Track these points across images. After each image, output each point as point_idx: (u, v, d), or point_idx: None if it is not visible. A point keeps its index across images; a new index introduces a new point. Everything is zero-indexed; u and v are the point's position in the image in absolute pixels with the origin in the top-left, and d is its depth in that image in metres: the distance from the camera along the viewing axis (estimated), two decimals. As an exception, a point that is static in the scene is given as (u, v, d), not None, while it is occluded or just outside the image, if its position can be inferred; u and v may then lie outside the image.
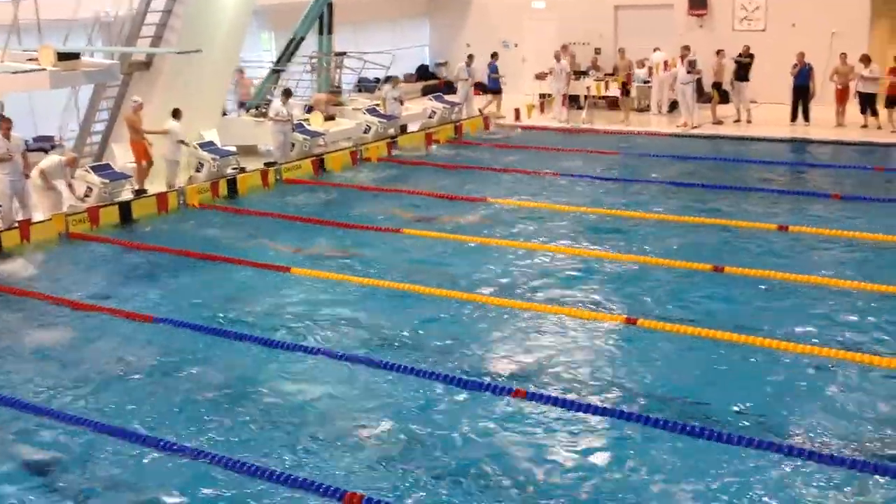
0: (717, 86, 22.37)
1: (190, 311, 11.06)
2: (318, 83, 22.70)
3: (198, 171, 17.05)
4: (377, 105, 21.55)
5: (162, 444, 7.83)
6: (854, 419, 8.01)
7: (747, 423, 7.94)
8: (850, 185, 16.15)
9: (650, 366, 9.23)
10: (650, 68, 23.46)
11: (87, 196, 15.21)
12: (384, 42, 25.96)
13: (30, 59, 14.58)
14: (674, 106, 22.96)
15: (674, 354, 9.44)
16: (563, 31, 25.41)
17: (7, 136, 14.07)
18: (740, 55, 21.80)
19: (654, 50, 23.45)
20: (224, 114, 20.30)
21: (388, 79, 22.59)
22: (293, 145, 18.68)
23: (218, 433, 8.11)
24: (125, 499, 7.20)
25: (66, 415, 8.47)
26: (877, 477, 7.04)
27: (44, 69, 14.11)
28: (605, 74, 24.44)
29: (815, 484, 7.02)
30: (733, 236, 13.39)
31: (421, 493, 7.10)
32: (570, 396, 8.54)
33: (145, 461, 7.67)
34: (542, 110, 24.35)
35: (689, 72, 21.39)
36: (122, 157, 17.07)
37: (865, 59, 20.17)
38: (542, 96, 24.68)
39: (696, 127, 21.39)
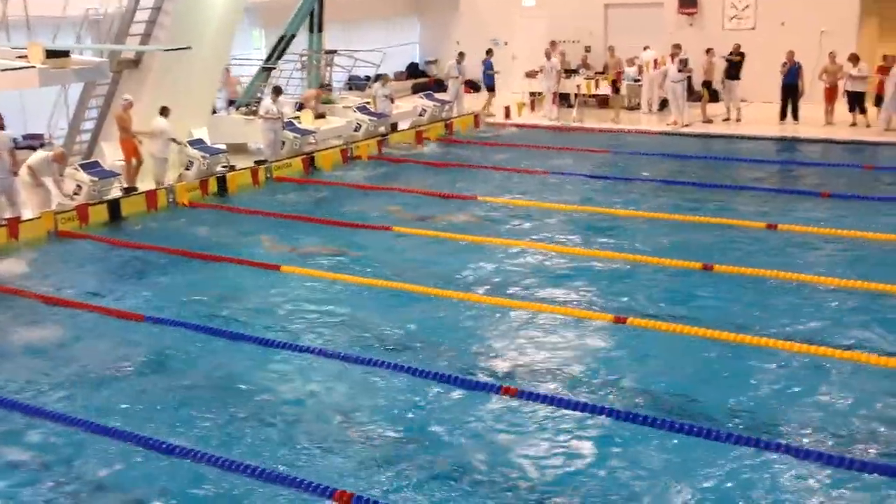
0: (706, 84, 22.43)
1: (180, 309, 11.04)
2: (308, 81, 22.68)
3: (187, 169, 17.01)
4: (368, 103, 21.54)
5: (152, 442, 7.81)
6: (845, 417, 8.03)
7: (738, 421, 7.97)
8: (839, 183, 16.20)
9: (640, 364, 9.26)
10: (640, 67, 23.50)
11: (76, 194, 15.16)
12: (375, 40, 25.95)
13: (19, 57, 14.50)
14: (664, 104, 23.01)
15: (663, 353, 9.46)
16: (553, 29, 25.41)
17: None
18: (731, 54, 21.86)
19: (644, 48, 23.49)
20: (214, 111, 20.25)
21: (378, 77, 22.57)
22: (283, 143, 18.65)
23: (208, 431, 8.09)
24: (115, 498, 7.19)
25: (55, 413, 8.44)
26: (868, 475, 7.06)
27: (33, 67, 14.03)
28: (596, 73, 24.47)
29: (805, 482, 7.05)
30: (723, 235, 13.43)
31: (411, 492, 7.10)
32: (561, 394, 8.56)
33: (135, 460, 7.65)
34: (532, 108, 24.37)
35: (680, 70, 21.45)
36: (111, 155, 17.01)
37: (854, 58, 20.25)
38: (533, 94, 24.70)
39: (686, 125, 21.44)
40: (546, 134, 21.87)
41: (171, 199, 16.02)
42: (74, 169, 15.42)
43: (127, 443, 7.87)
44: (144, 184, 16.39)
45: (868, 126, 20.15)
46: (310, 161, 18.59)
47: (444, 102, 22.80)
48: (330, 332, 10.28)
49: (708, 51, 22.34)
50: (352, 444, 7.85)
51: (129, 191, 16.03)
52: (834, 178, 16.64)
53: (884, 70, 19.69)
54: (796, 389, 8.58)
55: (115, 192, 15.79)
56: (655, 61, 23.03)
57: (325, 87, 22.50)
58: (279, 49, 21.25)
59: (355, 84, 25.28)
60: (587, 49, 25.02)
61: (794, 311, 10.39)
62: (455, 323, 10.43)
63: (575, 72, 24.50)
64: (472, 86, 26.00)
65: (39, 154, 14.95)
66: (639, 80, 23.61)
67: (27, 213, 14.58)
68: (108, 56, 16.72)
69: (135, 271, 12.64)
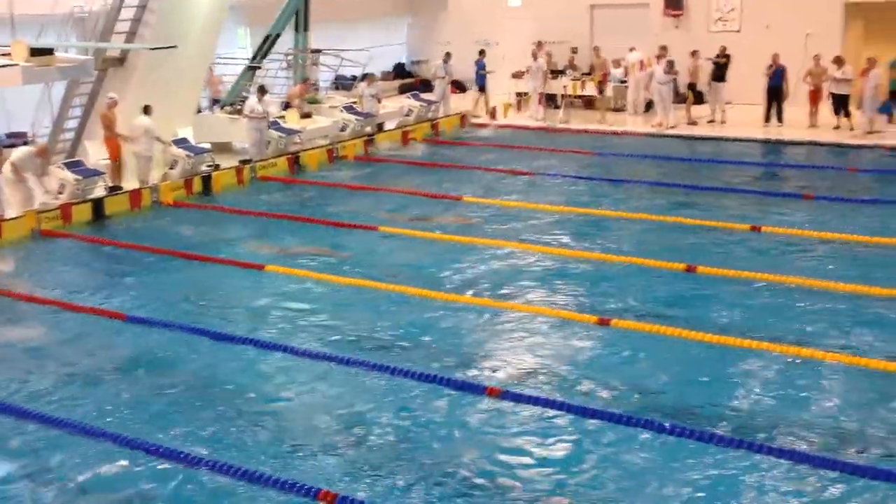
0: (692, 86, 22.50)
1: (164, 309, 10.99)
2: (293, 80, 22.63)
3: (172, 168, 16.95)
4: (354, 103, 21.52)
5: (136, 443, 7.77)
6: (828, 419, 8.07)
7: (722, 423, 7.99)
8: (823, 185, 16.29)
9: (623, 365, 9.28)
10: (626, 68, 23.56)
11: (60, 193, 15.09)
12: (362, 40, 25.92)
13: (2, 55, 14.42)
14: (649, 106, 23.08)
15: (647, 354, 9.48)
16: (539, 30, 25.45)
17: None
18: (717, 56, 21.93)
19: (630, 50, 23.54)
20: (199, 111, 20.19)
21: (364, 76, 22.56)
22: (269, 143, 18.61)
23: (192, 432, 8.06)
24: (99, 500, 7.15)
25: (36, 414, 8.38)
26: (859, 478, 7.10)
27: (16, 64, 13.95)
28: (582, 74, 24.52)
29: (791, 483, 7.07)
30: (707, 236, 13.48)
31: (395, 492, 7.10)
32: (545, 395, 8.57)
33: (118, 461, 7.61)
34: (518, 109, 24.40)
35: (666, 72, 21.51)
36: (94, 153, 16.94)
37: (838, 61, 20.35)
38: (519, 95, 24.74)
39: (671, 127, 21.51)
40: (532, 135, 21.91)
41: (155, 199, 15.96)
42: (58, 168, 15.34)
43: (110, 443, 7.82)
44: (129, 183, 16.33)
45: (851, 129, 20.26)
46: (295, 161, 18.55)
47: (430, 103, 22.81)
48: (314, 332, 10.25)
49: (693, 53, 22.42)
50: (336, 445, 7.84)
51: (114, 190, 15.96)
52: (817, 181, 16.73)
53: (866, 73, 19.81)
54: (780, 391, 8.61)
55: (99, 191, 15.72)
56: (641, 63, 23.09)
57: (307, 81, 22.30)
58: (265, 48, 21.21)
59: (342, 84, 25.25)
60: (573, 50, 25.08)
61: (776, 313, 10.44)
62: (439, 324, 10.42)
63: (561, 72, 24.54)
64: (458, 86, 26.01)
65: (22, 149, 14.89)
66: (625, 82, 23.67)
67: (10, 212, 14.49)
68: (93, 54, 16.65)
69: (118, 271, 12.59)
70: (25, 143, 17.27)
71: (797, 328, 9.97)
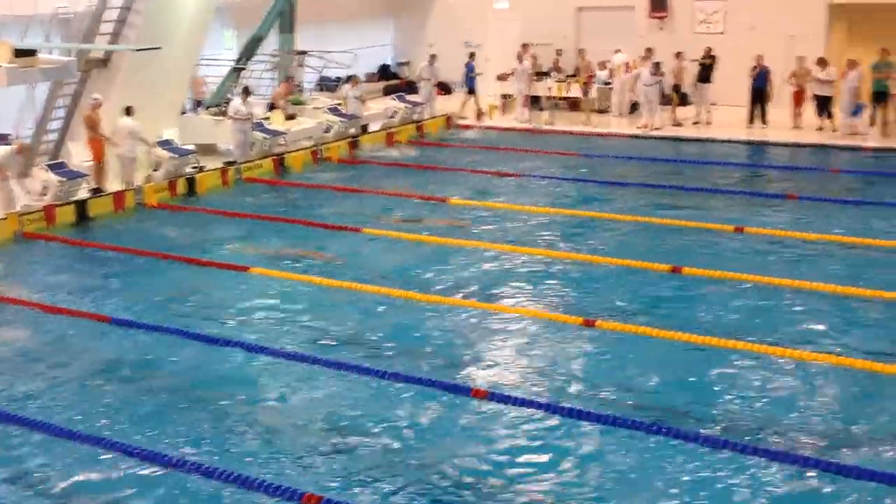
0: (676, 88, 22.57)
1: (148, 311, 10.94)
2: (278, 82, 22.57)
3: (156, 170, 16.89)
4: (339, 104, 21.48)
5: (118, 446, 7.73)
6: (815, 418, 8.12)
7: (708, 423, 8.02)
8: (806, 186, 16.38)
9: (608, 366, 9.30)
10: (611, 70, 23.60)
11: (43, 195, 15.01)
12: (347, 41, 25.87)
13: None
14: (634, 107, 23.14)
15: (632, 355, 9.50)
16: (525, 32, 25.46)
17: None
18: (703, 57, 22.00)
19: (616, 52, 23.60)
20: (183, 112, 20.12)
21: (348, 78, 22.52)
22: (253, 144, 18.56)
23: (176, 435, 8.02)
24: (81, 503, 7.12)
25: (19, 417, 8.33)
26: (835, 475, 7.14)
27: (0, 66, 13.89)
28: (567, 76, 24.55)
29: (778, 484, 7.10)
30: (691, 237, 13.52)
31: (378, 495, 7.09)
32: (531, 397, 8.58)
33: (101, 464, 7.57)
34: (503, 111, 24.43)
35: (653, 74, 21.57)
36: (78, 155, 16.85)
37: (822, 62, 20.47)
38: (504, 97, 24.76)
39: (656, 129, 21.58)
40: (517, 136, 21.94)
41: (139, 200, 15.89)
42: (42, 169, 15.26)
43: (94, 447, 7.78)
44: (113, 185, 16.25)
45: (834, 130, 20.37)
46: (280, 162, 18.51)
47: (415, 104, 22.79)
48: (300, 334, 10.23)
49: (678, 55, 22.48)
50: (322, 448, 7.82)
51: (97, 191, 15.88)
52: (801, 182, 16.82)
53: (846, 75, 19.94)
54: (766, 391, 8.66)
55: (83, 193, 15.64)
56: (627, 64, 23.15)
57: (289, 80, 22.17)
58: (250, 49, 21.15)
59: (326, 85, 25.20)
60: (558, 52, 25.11)
61: (761, 314, 10.49)
62: (424, 325, 10.42)
63: (546, 74, 24.56)
64: (444, 88, 26.00)
65: (3, 148, 14.79)
66: (609, 84, 23.71)
67: (-7, 213, 14.43)
68: (77, 55, 16.57)
69: (102, 273, 12.52)
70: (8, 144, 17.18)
71: (782, 328, 10.02)
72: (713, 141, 20.65)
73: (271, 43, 22.18)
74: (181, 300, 11.37)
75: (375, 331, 10.27)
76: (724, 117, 22.03)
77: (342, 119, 20.72)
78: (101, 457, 7.65)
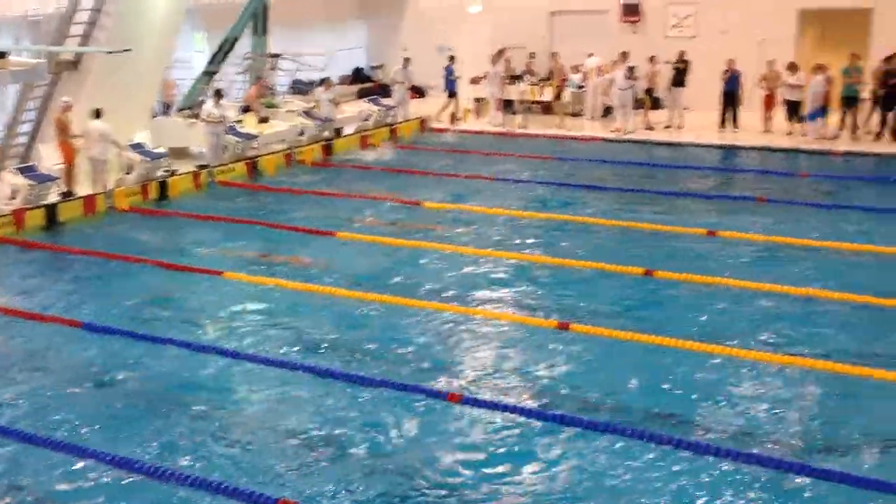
0: (649, 92, 22.70)
1: (120, 316, 10.84)
2: (250, 84, 22.45)
3: (128, 173, 16.74)
4: (313, 107, 21.41)
5: (90, 453, 7.66)
6: (794, 422, 8.19)
7: (686, 427, 8.07)
8: (777, 190, 16.54)
9: (582, 369, 9.33)
10: (584, 73, 23.70)
11: (12, 198, 14.84)
12: (320, 44, 25.80)
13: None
14: (607, 111, 23.24)
15: (605, 358, 9.54)
16: (498, 35, 25.49)
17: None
18: (677, 60, 22.13)
19: (589, 55, 23.70)
20: (154, 115, 19.96)
21: (321, 81, 22.46)
22: (226, 147, 18.46)
23: (148, 441, 7.95)
24: (52, 510, 7.06)
25: (-11, 424, 8.25)
26: (797, 476, 7.20)
27: (-32, 68, 13.77)
28: (540, 79, 24.62)
29: (760, 489, 7.14)
30: (664, 240, 13.60)
31: (355, 500, 7.07)
32: (505, 400, 8.59)
33: (72, 472, 7.49)
34: (477, 114, 24.46)
35: (627, 77, 21.68)
36: (48, 158, 16.67)
37: (792, 67, 20.67)
38: (478, 100, 24.79)
39: (629, 132, 21.69)
40: (491, 139, 21.98)
41: (109, 204, 15.74)
42: (11, 173, 15.09)
43: (66, 454, 7.68)
44: (84, 188, 16.10)
45: (804, 134, 20.57)
46: (253, 166, 18.42)
47: (389, 107, 22.78)
48: (275, 339, 10.18)
49: (651, 58, 22.61)
50: (296, 453, 7.78)
51: (68, 195, 15.72)
52: (772, 185, 16.97)
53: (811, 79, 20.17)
54: (734, 393, 8.72)
55: (53, 197, 15.48)
56: (599, 68, 23.26)
57: (260, 80, 22.02)
58: (222, 52, 21.03)
59: (299, 88, 25.10)
60: (531, 55, 25.19)
61: (730, 316, 10.58)
62: (399, 329, 10.40)
63: (520, 78, 24.61)
64: (417, 91, 26.00)
65: None
66: (582, 87, 23.81)
67: (-39, 218, 14.24)
68: (47, 57, 16.41)
69: (72, 277, 12.40)
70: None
71: (753, 331, 10.09)
72: (685, 145, 20.80)
73: (244, 45, 22.07)
74: (154, 305, 11.27)
75: (348, 334, 10.24)
76: (695, 121, 22.17)
77: (316, 122, 20.67)
78: (74, 465, 7.57)
